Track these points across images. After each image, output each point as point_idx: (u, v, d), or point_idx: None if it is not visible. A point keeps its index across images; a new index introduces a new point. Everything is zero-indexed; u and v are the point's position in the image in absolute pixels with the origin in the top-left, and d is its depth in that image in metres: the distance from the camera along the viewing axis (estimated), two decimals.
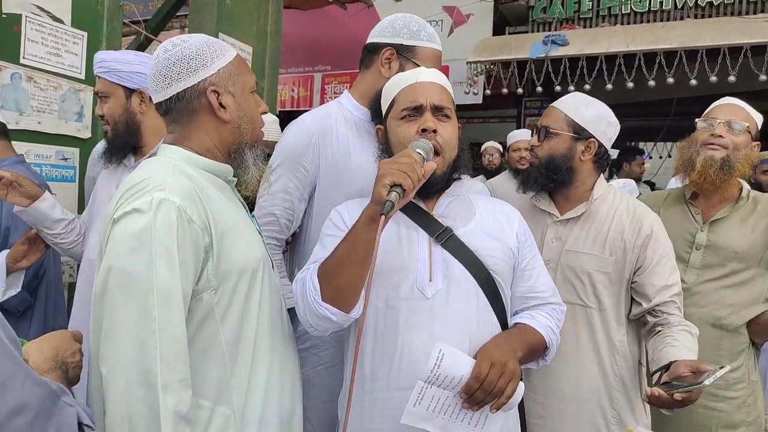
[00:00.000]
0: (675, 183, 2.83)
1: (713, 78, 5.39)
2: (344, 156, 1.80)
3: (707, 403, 1.96)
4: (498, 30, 7.43)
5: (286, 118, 2.81)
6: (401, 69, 1.75)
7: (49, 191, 2.42)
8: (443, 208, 1.52)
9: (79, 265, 2.21)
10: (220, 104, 1.34)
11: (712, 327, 1.99)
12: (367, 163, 1.69)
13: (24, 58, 2.61)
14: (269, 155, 1.73)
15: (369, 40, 1.88)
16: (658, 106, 6.63)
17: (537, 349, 1.50)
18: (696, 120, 2.12)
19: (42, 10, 2.67)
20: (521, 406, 1.52)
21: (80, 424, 0.93)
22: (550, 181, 1.89)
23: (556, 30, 6.87)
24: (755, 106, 2.11)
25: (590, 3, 6.96)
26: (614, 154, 5.34)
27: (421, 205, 1.51)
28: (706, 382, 1.46)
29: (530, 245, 1.58)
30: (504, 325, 1.50)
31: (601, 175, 1.95)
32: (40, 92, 2.69)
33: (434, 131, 1.44)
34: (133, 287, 1.14)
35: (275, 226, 1.82)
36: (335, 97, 1.97)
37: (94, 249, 2.02)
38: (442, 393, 1.30)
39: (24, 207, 2.04)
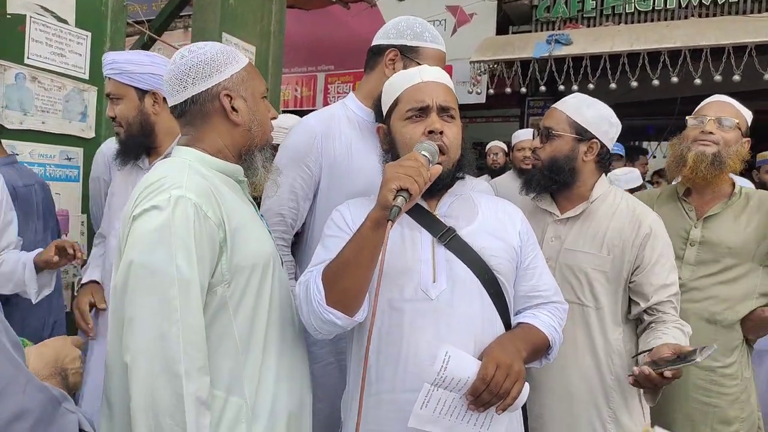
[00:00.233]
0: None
1: (717, 77, 5.37)
2: (346, 156, 1.81)
3: (702, 399, 1.99)
4: (501, 29, 7.42)
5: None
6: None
7: (48, 189, 2.43)
8: (446, 208, 1.51)
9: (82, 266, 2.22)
10: (233, 107, 1.40)
11: (707, 323, 2.01)
12: (369, 163, 1.70)
13: (28, 58, 2.61)
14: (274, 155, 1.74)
15: (373, 43, 1.89)
16: (662, 105, 6.60)
17: (540, 349, 1.50)
18: (687, 118, 2.16)
19: (46, 10, 2.67)
20: (524, 406, 1.52)
21: (81, 431, 0.93)
22: (553, 182, 1.89)
23: (559, 29, 6.87)
24: (760, 105, 2.12)
25: (594, 2, 6.95)
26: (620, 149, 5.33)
27: (424, 204, 1.50)
28: (698, 359, 1.49)
29: (532, 244, 1.58)
30: (507, 325, 1.49)
31: (603, 175, 1.96)
32: (44, 92, 2.70)
33: (441, 132, 1.43)
34: (154, 280, 1.20)
35: (282, 226, 1.84)
36: (338, 97, 1.98)
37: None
38: (448, 395, 1.29)
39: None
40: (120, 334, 1.23)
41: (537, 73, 6.21)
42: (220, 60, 1.40)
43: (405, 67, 1.78)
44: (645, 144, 8.45)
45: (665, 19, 6.57)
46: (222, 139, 1.42)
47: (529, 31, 7.18)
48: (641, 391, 1.86)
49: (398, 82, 1.53)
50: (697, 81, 5.48)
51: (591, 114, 1.88)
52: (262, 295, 1.38)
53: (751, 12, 6.19)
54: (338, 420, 1.63)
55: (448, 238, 1.45)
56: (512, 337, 1.44)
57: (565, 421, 1.84)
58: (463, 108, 1.66)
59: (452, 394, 1.29)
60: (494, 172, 5.15)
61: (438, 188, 1.48)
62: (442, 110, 1.47)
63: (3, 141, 2.34)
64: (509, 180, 4.28)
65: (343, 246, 1.35)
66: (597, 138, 1.87)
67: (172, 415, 1.16)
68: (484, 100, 6.97)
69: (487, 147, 5.52)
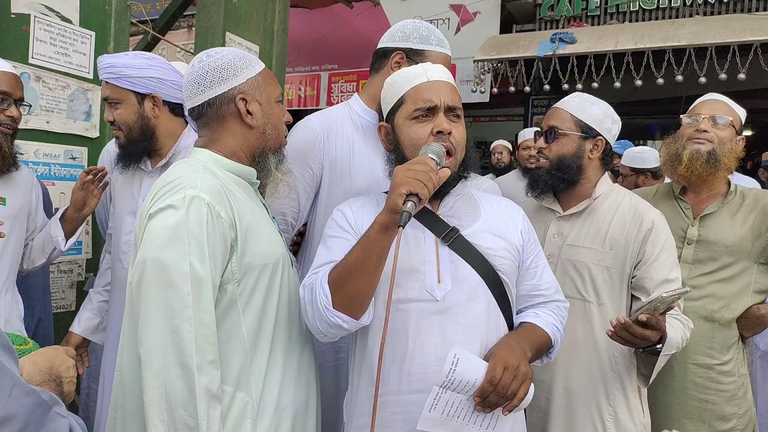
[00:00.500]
0: None
1: (723, 75, 5.35)
2: (347, 157, 1.81)
3: (700, 396, 2.00)
4: (505, 28, 7.41)
5: (293, 118, 2.81)
6: None
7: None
8: (448, 208, 1.50)
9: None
10: (247, 111, 1.44)
11: (705, 320, 2.02)
12: (371, 164, 1.70)
13: (32, 57, 2.61)
14: None
15: (379, 45, 1.90)
16: (667, 104, 6.59)
17: (543, 348, 1.50)
18: (681, 116, 2.17)
19: (50, 10, 2.67)
20: None
21: None
22: (560, 181, 1.90)
23: (563, 28, 6.85)
24: (766, 103, 2.11)
25: (598, 0, 6.93)
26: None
27: (427, 204, 1.49)
28: (664, 294, 1.52)
29: (534, 242, 1.57)
30: (510, 324, 1.49)
31: (606, 172, 1.98)
32: (48, 92, 2.70)
33: (449, 133, 1.42)
34: (168, 276, 1.24)
35: (283, 225, 1.85)
36: (342, 96, 1.99)
37: (127, 255, 2.05)
38: (456, 397, 1.29)
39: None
40: (135, 328, 1.27)
41: (541, 72, 6.19)
42: (237, 64, 1.44)
43: None
44: (649, 143, 8.42)
45: (670, 18, 6.55)
46: (236, 141, 1.46)
47: (533, 30, 7.17)
48: (642, 391, 1.87)
49: (403, 80, 1.50)
50: (702, 79, 5.45)
51: (595, 112, 1.90)
52: (270, 295, 1.41)
53: (757, 10, 6.16)
54: (331, 420, 1.63)
55: (451, 238, 1.44)
56: (517, 337, 1.43)
57: (566, 418, 1.84)
58: (467, 107, 1.65)
59: (460, 396, 1.29)
60: (499, 171, 5.15)
61: (444, 189, 1.47)
62: (449, 110, 1.45)
63: None
64: (514, 179, 4.28)
65: (347, 247, 1.34)
66: (602, 135, 1.89)
67: (184, 407, 1.20)
68: (487, 99, 6.96)
69: (492, 146, 5.52)
